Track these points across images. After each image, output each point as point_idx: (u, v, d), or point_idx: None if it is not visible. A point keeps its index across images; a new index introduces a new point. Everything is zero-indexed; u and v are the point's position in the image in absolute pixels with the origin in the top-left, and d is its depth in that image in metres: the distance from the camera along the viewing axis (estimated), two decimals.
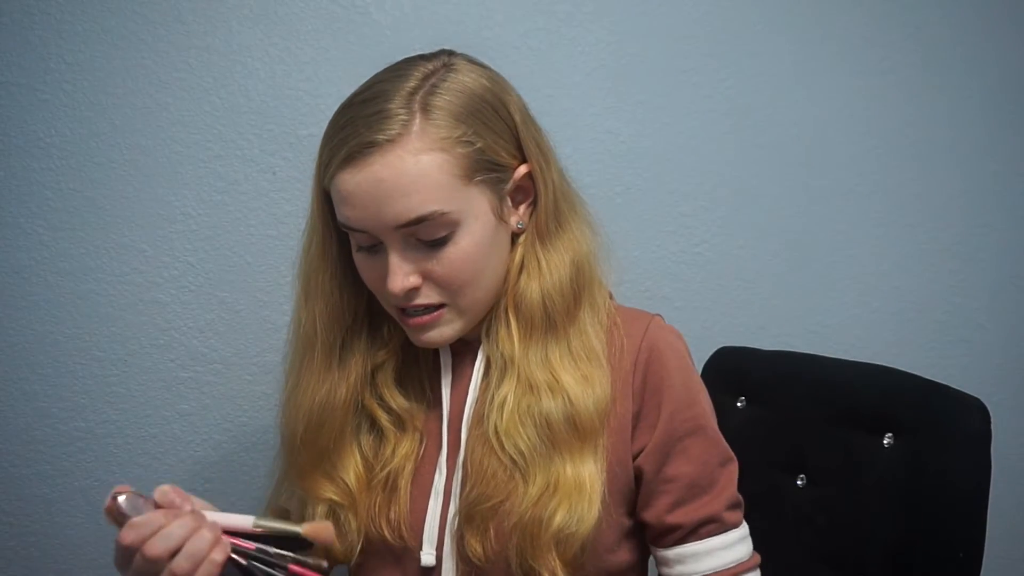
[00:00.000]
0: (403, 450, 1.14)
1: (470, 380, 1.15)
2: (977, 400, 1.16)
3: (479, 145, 1.04)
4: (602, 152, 1.72)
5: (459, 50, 1.63)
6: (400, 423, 1.16)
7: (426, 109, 1.01)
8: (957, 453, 1.15)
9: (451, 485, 1.13)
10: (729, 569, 1.10)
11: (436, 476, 1.14)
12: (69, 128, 1.56)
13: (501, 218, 1.09)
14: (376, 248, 1.05)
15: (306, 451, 1.14)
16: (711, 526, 1.11)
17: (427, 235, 1.02)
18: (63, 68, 1.55)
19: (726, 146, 1.76)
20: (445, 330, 1.09)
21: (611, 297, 1.20)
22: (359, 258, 1.08)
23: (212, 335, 1.64)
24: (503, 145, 1.07)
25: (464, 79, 1.06)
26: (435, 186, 1.00)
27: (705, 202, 1.76)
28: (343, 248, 1.11)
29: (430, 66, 1.06)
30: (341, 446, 1.14)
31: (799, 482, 1.33)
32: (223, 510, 1.50)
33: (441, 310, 1.07)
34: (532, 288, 1.10)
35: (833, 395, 1.32)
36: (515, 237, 1.13)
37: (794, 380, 1.40)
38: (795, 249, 1.80)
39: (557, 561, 1.05)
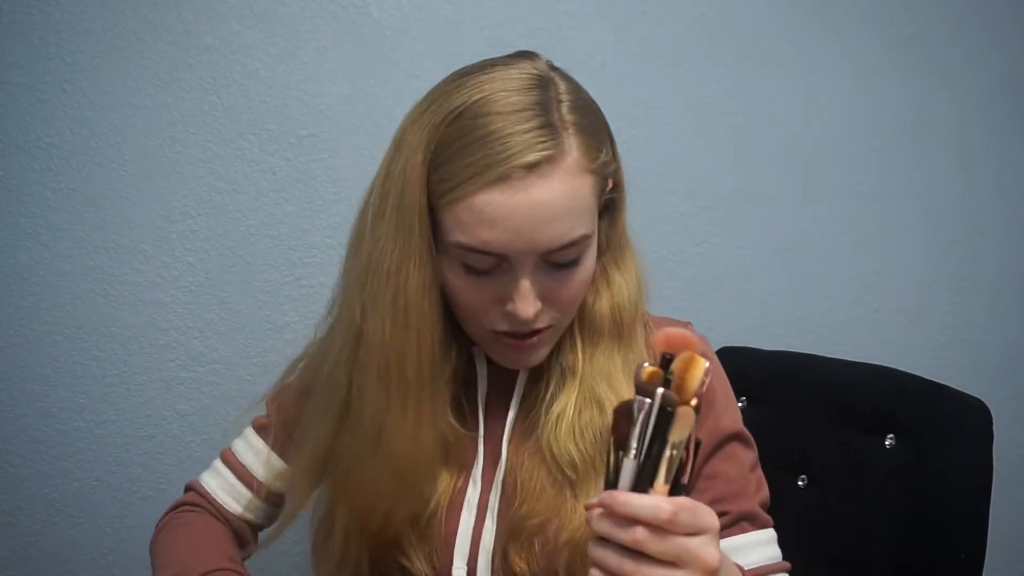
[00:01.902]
0: (444, 484, 1.10)
1: (511, 394, 1.12)
2: (978, 400, 1.16)
3: (609, 163, 1.02)
4: None
5: (457, 50, 1.65)
6: (447, 455, 1.10)
7: (566, 126, 0.97)
8: (958, 454, 1.15)
9: (487, 500, 1.09)
10: (770, 565, 1.08)
11: (470, 489, 1.10)
12: (69, 128, 1.56)
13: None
14: (492, 271, 0.99)
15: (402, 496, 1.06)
16: (749, 523, 1.08)
17: (565, 258, 0.99)
18: (63, 68, 1.55)
19: (726, 146, 1.76)
20: (544, 351, 1.07)
21: None
22: (466, 281, 1.00)
23: (212, 335, 1.64)
24: (613, 158, 1.05)
25: (577, 89, 1.04)
26: (588, 209, 0.98)
27: (705, 202, 1.77)
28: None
29: (536, 71, 1.01)
30: None
31: (800, 482, 1.33)
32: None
33: (546, 331, 1.04)
34: (602, 304, 1.09)
35: (834, 395, 1.32)
36: None
37: (795, 380, 1.40)
38: (795, 249, 1.80)
39: None
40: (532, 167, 0.93)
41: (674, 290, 1.76)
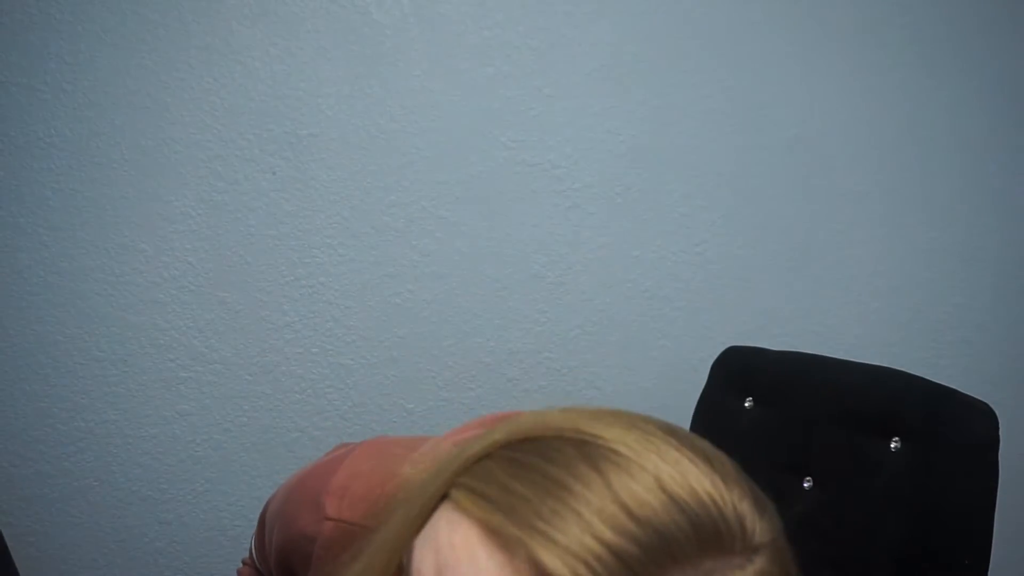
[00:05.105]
0: None
1: None
2: (985, 405, 1.16)
3: None
4: (602, 152, 1.72)
5: (457, 50, 1.65)
6: None
7: None
8: (964, 459, 1.15)
9: None
10: None
11: None
12: (69, 128, 1.56)
13: None
14: None
15: None
16: None
17: None
18: (63, 68, 1.54)
19: (726, 146, 1.76)
20: None
21: None
22: None
23: (212, 335, 1.64)
24: None
25: None
26: None
27: (705, 202, 1.77)
28: None
29: (723, 533, 0.54)
30: None
31: (805, 484, 1.32)
32: (223, 511, 1.51)
33: None
34: None
35: (840, 397, 1.31)
36: None
37: (802, 381, 1.39)
38: (795, 249, 1.80)
39: None
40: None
41: (674, 290, 1.76)
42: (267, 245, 1.63)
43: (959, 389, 1.21)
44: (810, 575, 1.36)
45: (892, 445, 1.21)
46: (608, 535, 0.52)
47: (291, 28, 1.60)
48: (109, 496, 1.64)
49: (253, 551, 1.02)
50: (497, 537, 0.54)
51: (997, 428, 1.14)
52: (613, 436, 0.57)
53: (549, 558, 0.51)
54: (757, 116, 1.77)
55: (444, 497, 0.59)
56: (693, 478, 0.54)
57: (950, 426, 1.17)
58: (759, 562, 0.55)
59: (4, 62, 1.53)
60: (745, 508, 0.55)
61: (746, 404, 1.44)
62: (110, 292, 1.60)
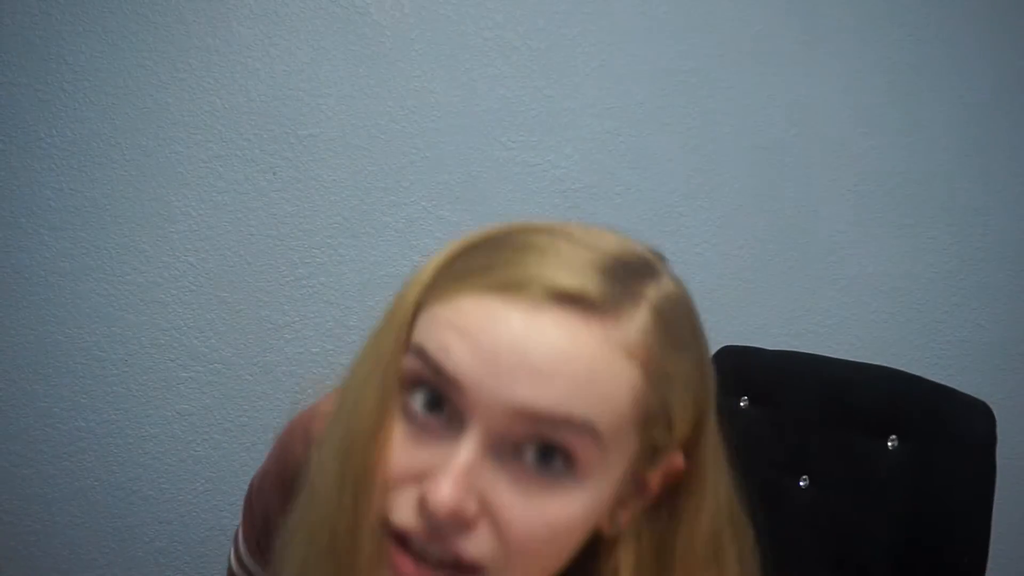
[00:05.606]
0: None
1: None
2: (983, 404, 1.16)
3: (672, 398, 0.68)
4: (602, 152, 1.72)
5: (457, 50, 1.65)
6: None
7: (645, 301, 0.67)
8: (962, 457, 1.15)
9: None
10: None
11: None
12: (69, 128, 1.56)
13: (614, 504, 0.69)
14: (434, 431, 0.64)
15: None
16: None
17: (543, 451, 0.63)
18: (63, 68, 1.55)
19: (726, 146, 1.76)
20: None
21: None
22: (398, 433, 0.65)
23: (212, 335, 1.64)
24: (685, 415, 0.70)
25: (694, 321, 0.74)
26: (612, 401, 0.64)
27: (705, 202, 1.77)
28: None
29: (650, 262, 0.71)
30: None
31: (801, 483, 1.32)
32: (223, 511, 1.51)
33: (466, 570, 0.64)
34: None
35: (838, 396, 1.31)
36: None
37: (798, 380, 1.39)
38: (795, 249, 1.80)
39: None
40: (560, 295, 0.63)
41: None
42: (267, 245, 1.63)
43: (957, 388, 1.21)
44: (807, 574, 1.36)
45: (889, 444, 1.21)
46: (598, 258, 0.66)
47: (291, 28, 1.60)
48: (109, 496, 1.64)
49: (241, 552, 1.02)
50: (505, 289, 0.64)
51: (995, 427, 1.14)
52: (544, 225, 0.71)
53: (560, 277, 0.64)
54: (757, 117, 1.77)
55: (418, 309, 0.68)
56: (616, 237, 0.71)
57: (948, 425, 1.17)
58: (672, 276, 0.74)
59: (5, 62, 1.53)
60: (651, 251, 0.75)
61: (742, 404, 1.44)
62: (110, 292, 1.60)
